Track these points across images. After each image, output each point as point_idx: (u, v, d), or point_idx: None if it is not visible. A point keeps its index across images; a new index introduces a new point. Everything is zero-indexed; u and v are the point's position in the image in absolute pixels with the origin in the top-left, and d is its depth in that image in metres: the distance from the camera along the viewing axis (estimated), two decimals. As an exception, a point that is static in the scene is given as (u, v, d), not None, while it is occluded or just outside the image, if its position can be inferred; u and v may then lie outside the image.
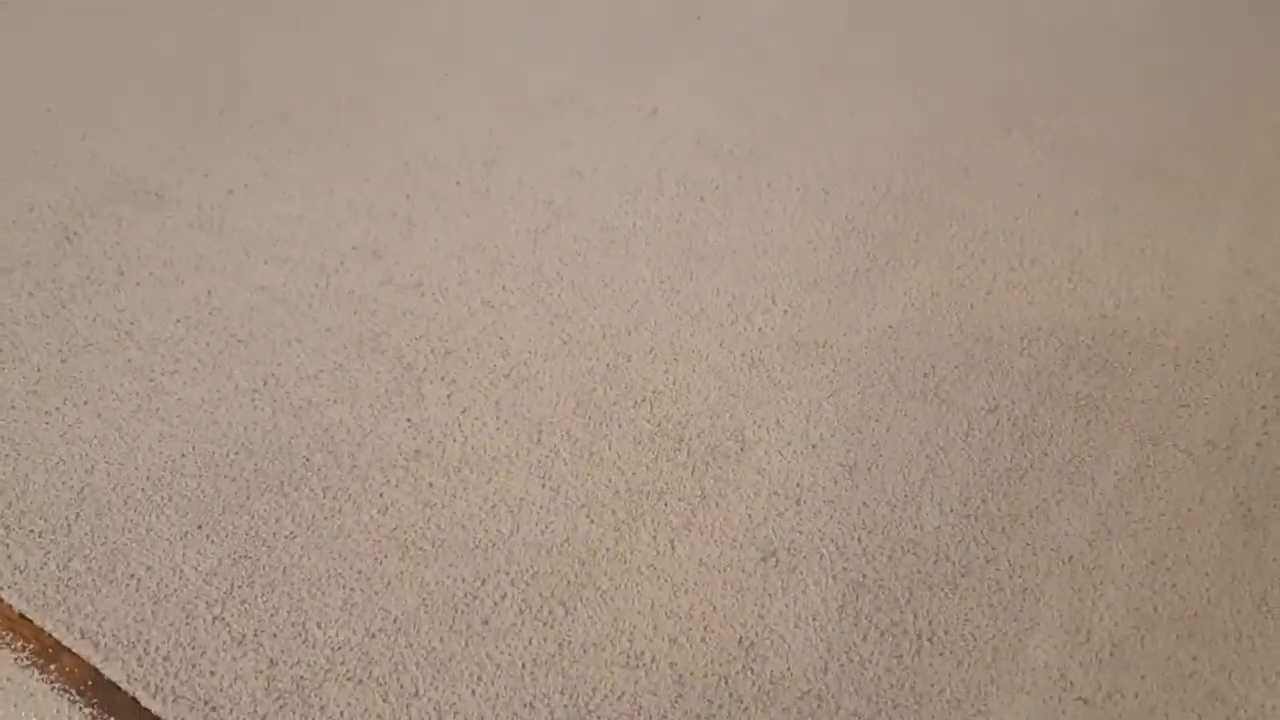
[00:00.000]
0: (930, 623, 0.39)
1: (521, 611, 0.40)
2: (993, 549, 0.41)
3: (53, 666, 0.40)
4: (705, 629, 0.40)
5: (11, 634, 0.41)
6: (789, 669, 0.40)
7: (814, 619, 0.40)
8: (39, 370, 0.48)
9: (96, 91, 0.63)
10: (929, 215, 0.54)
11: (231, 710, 0.39)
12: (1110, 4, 0.69)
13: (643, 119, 0.62)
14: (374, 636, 0.40)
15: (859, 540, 0.41)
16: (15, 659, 0.40)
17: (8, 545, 0.43)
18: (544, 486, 0.43)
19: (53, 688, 0.40)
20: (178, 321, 0.50)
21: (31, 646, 0.40)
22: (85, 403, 0.47)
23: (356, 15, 0.70)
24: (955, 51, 0.65)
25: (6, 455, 0.45)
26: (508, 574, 0.41)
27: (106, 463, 0.44)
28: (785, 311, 0.50)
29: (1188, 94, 0.62)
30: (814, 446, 0.44)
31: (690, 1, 0.71)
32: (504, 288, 0.52)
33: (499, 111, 0.62)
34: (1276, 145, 0.58)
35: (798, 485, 0.43)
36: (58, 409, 0.46)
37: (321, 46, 0.66)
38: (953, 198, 0.55)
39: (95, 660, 0.40)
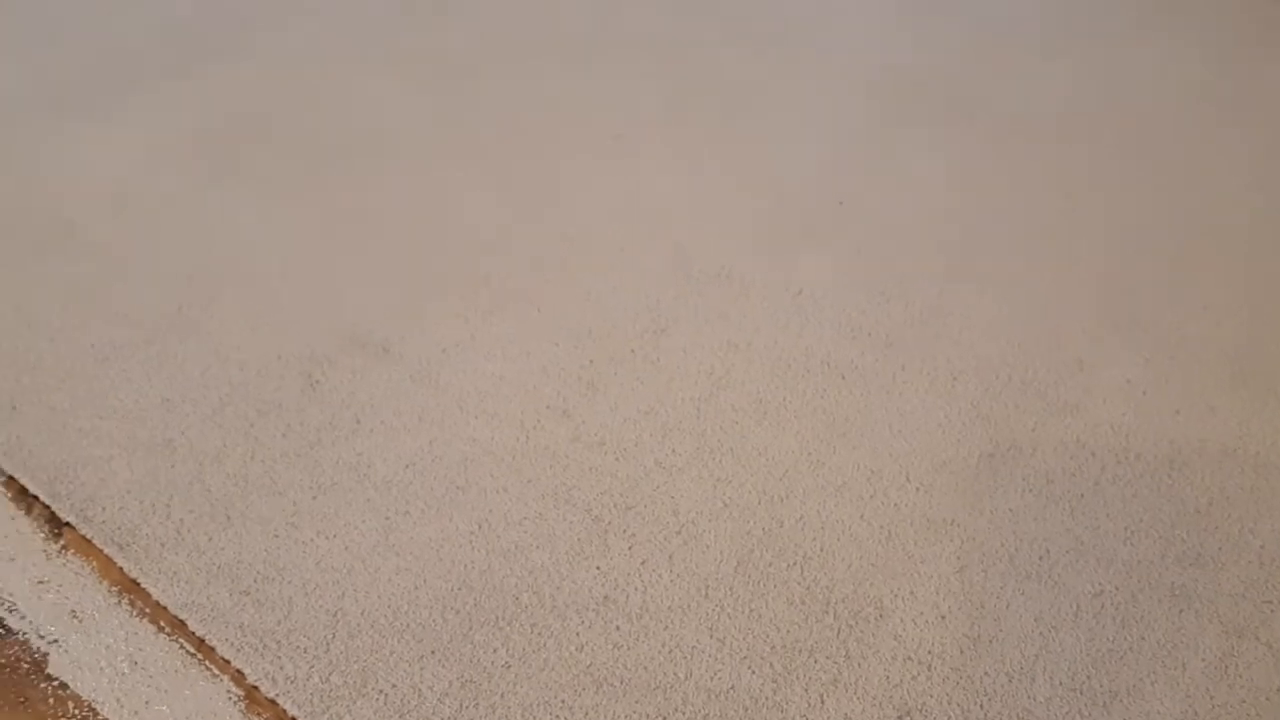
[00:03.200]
0: (1039, 784, 0.47)
1: (697, 747, 0.49)
2: (1094, 721, 0.49)
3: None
4: (848, 774, 0.48)
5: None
6: (916, 812, 0.48)
7: (940, 773, 0.48)
8: (295, 504, 0.58)
9: (323, 250, 0.75)
10: (1045, 405, 0.62)
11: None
12: (1219, 206, 0.77)
13: (791, 298, 0.71)
14: (575, 758, 0.50)
15: (981, 707, 0.49)
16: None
17: (279, 658, 0.53)
18: (711, 637, 0.52)
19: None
20: (406, 467, 0.60)
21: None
22: (334, 535, 0.57)
23: (548, 180, 0.81)
24: (1065, 247, 0.73)
25: (273, 579, 0.55)
26: (684, 714, 0.50)
27: (354, 590, 0.54)
28: (918, 489, 0.58)
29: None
30: (943, 617, 0.52)
31: (833, 187, 0.80)
32: (673, 450, 0.61)
33: (667, 283, 0.71)
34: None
35: (929, 652, 0.51)
36: (312, 540, 0.57)
37: (518, 209, 0.77)
38: (1066, 390, 0.63)
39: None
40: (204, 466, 0.61)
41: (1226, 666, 0.48)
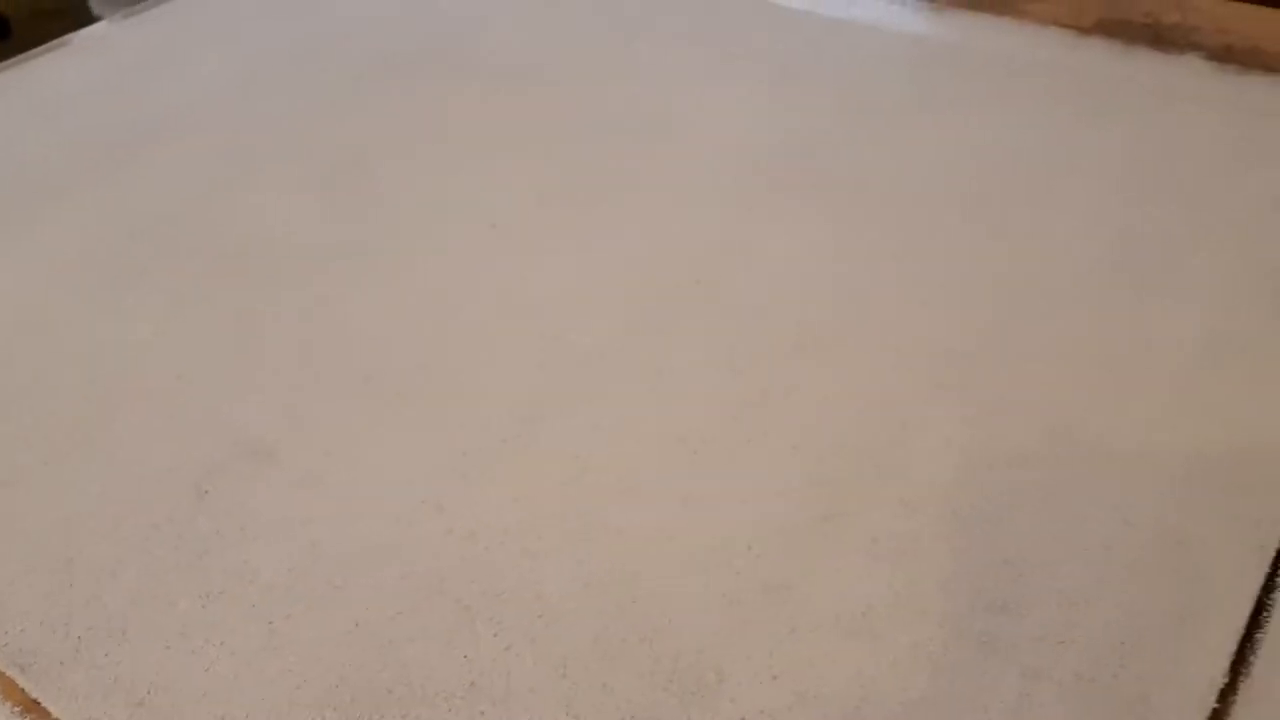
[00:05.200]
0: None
1: (550, 819, 0.54)
2: (905, 767, 0.54)
3: None
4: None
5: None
6: None
7: (765, 826, 0.54)
8: (186, 615, 0.63)
9: (216, 359, 0.79)
10: (874, 468, 0.68)
11: None
12: (1044, 265, 0.84)
13: (652, 378, 0.77)
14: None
15: (804, 759, 0.55)
16: None
17: (170, 765, 0.58)
18: (568, 714, 0.57)
19: None
20: (289, 570, 0.65)
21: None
22: (222, 642, 0.62)
23: (427, 274, 0.87)
24: (902, 313, 0.80)
25: (166, 689, 0.60)
26: (541, 789, 0.55)
27: (241, 694, 0.59)
28: (758, 556, 0.64)
29: (1102, 354, 0.76)
30: (775, 678, 0.58)
31: (692, 268, 0.87)
32: (539, 536, 0.67)
33: (538, 371, 0.77)
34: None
35: (760, 712, 0.57)
36: (201, 648, 0.62)
37: (401, 311, 0.82)
38: (894, 453, 0.69)
39: None
40: (101, 583, 0.66)
41: (1022, 707, 0.54)
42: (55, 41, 1.20)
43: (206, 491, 0.71)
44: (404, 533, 0.68)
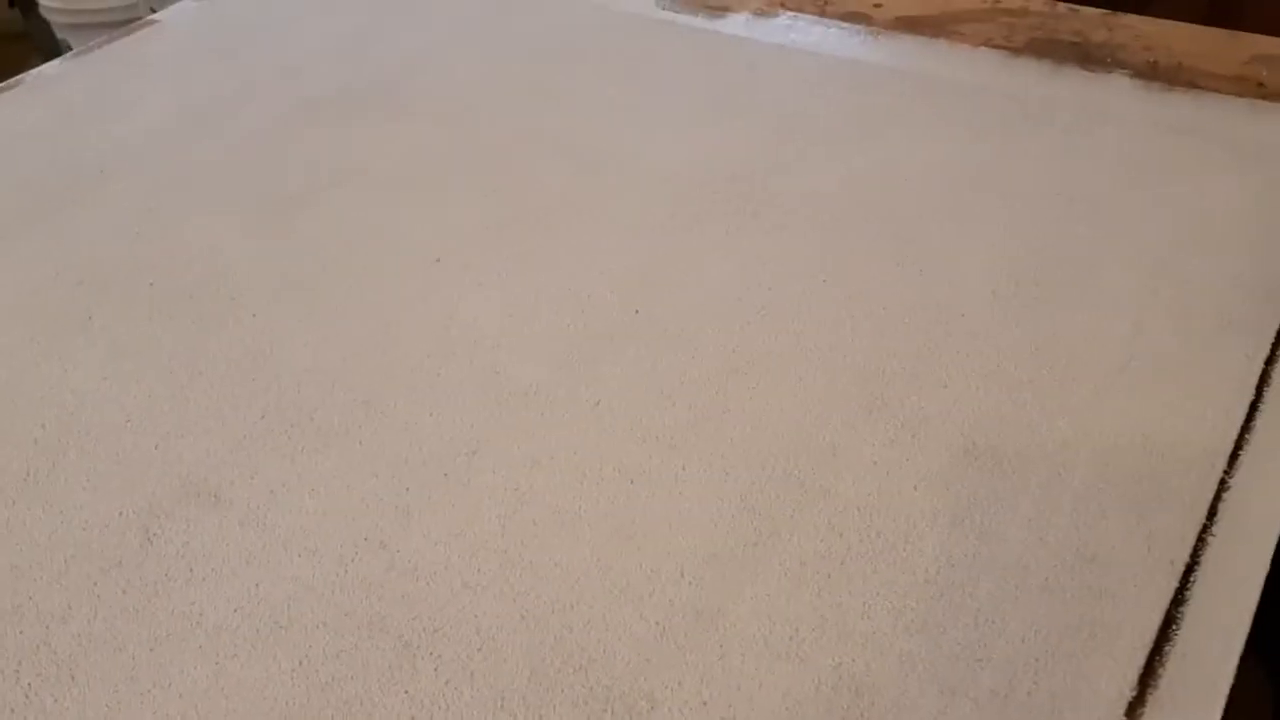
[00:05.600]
0: None
1: None
2: (827, 784, 0.57)
3: None
4: None
5: None
6: None
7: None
8: (134, 659, 0.65)
9: (165, 399, 0.81)
10: (802, 492, 0.71)
11: None
12: (964, 285, 0.87)
13: (589, 409, 0.79)
14: None
15: (730, 782, 0.57)
16: None
17: (120, 806, 0.59)
18: (504, 745, 0.59)
19: None
20: (235, 611, 0.67)
21: None
22: (169, 685, 0.63)
23: (371, 311, 0.89)
24: (832, 336, 0.82)
25: (114, 731, 0.61)
26: (477, 818, 0.57)
27: (187, 735, 0.61)
28: (690, 583, 0.66)
29: (1020, 372, 0.79)
30: (705, 704, 0.61)
31: (628, 297, 0.89)
32: (478, 570, 0.69)
33: (479, 405, 0.79)
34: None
35: (690, 736, 0.59)
36: (149, 691, 0.63)
37: (344, 348, 0.84)
38: (821, 476, 0.72)
39: None
40: (50, 629, 0.67)
41: (939, 723, 0.57)
42: (7, 82, 1.21)
43: (155, 535, 0.72)
44: (347, 570, 0.69)
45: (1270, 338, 0.80)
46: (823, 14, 1.29)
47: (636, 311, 0.89)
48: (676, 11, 1.30)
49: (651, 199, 1.02)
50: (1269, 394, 0.76)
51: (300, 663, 0.65)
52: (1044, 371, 0.80)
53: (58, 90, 1.26)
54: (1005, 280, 0.89)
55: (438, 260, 0.96)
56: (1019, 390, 0.79)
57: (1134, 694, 0.59)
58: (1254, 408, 0.74)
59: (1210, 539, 0.66)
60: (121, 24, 1.35)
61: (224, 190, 1.07)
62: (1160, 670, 0.60)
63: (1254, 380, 0.77)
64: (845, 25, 1.27)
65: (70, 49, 1.27)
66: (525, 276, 0.94)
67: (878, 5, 1.30)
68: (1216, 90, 1.12)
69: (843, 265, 0.92)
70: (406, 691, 0.63)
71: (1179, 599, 0.64)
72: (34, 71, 1.27)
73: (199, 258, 0.98)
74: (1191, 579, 0.64)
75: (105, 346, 0.88)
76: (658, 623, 0.66)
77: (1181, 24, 1.24)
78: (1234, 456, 0.71)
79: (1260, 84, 1.13)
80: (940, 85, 1.17)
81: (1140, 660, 0.61)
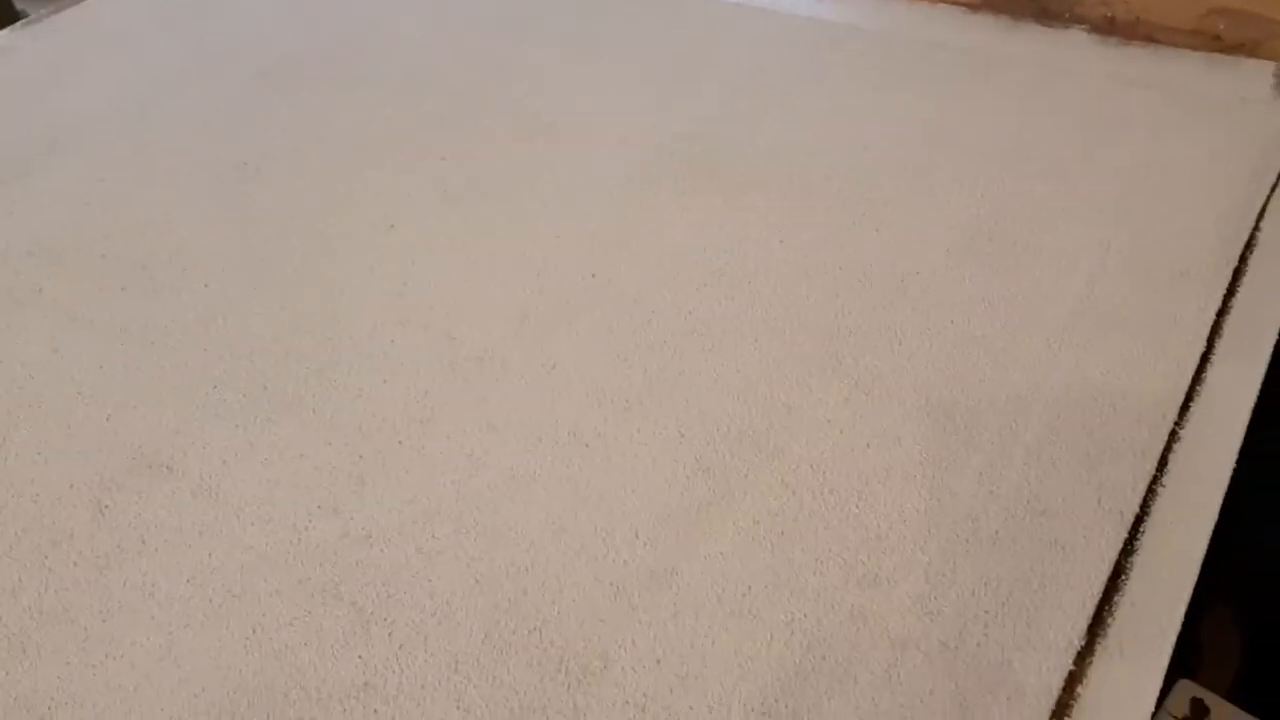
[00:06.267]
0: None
1: (440, 809, 0.56)
2: (779, 738, 0.57)
3: None
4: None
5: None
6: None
7: (645, 803, 0.56)
8: (86, 630, 0.65)
9: (112, 374, 0.80)
10: (757, 452, 0.71)
11: None
12: (919, 243, 0.87)
13: (545, 374, 0.79)
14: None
15: (683, 739, 0.58)
16: None
17: (71, 778, 0.59)
18: (458, 709, 0.59)
19: None
20: (188, 581, 0.66)
21: None
22: (121, 656, 0.63)
23: (325, 278, 0.88)
24: (787, 296, 0.82)
25: (66, 704, 0.61)
26: (431, 780, 0.57)
27: (140, 706, 0.61)
28: (644, 544, 0.66)
29: (973, 329, 0.79)
30: (658, 661, 0.61)
31: (585, 261, 0.88)
32: (433, 535, 0.68)
33: (434, 372, 0.79)
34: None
35: (644, 695, 0.59)
36: (102, 662, 0.63)
37: (297, 317, 0.83)
38: (775, 435, 0.72)
39: None
40: (1, 603, 0.67)
41: (891, 676, 0.57)
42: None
43: (106, 506, 0.72)
44: (300, 538, 0.69)
45: (1222, 290, 0.81)
46: (780, -27, 1.28)
47: (593, 275, 0.89)
48: (633, -28, 1.28)
49: (607, 163, 1.02)
50: (1220, 345, 0.76)
51: (254, 631, 0.65)
52: (997, 326, 0.80)
53: (6, 60, 1.24)
54: (960, 237, 0.89)
55: (391, 228, 0.95)
56: (972, 345, 0.79)
57: (1083, 643, 0.60)
58: (1205, 359, 0.75)
59: (1160, 489, 0.67)
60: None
61: (176, 160, 1.06)
62: (1109, 619, 0.61)
63: (1205, 331, 0.77)
64: (804, -16, 1.26)
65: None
66: (480, 243, 0.93)
67: (835, -37, 1.29)
68: (1174, 44, 1.12)
69: (799, 226, 0.92)
70: (360, 657, 0.63)
71: (1128, 549, 0.64)
72: (-18, 42, 1.25)
73: (151, 228, 0.97)
74: (1141, 529, 0.65)
75: (56, 318, 0.87)
76: (612, 583, 0.66)
77: (1139, -22, 1.24)
78: (1185, 407, 0.71)
79: (1217, 37, 1.13)
80: (897, 43, 1.16)
81: (1090, 610, 0.62)
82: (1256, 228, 0.82)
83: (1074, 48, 1.13)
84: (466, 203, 0.97)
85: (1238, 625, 0.99)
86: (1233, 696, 0.90)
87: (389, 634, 0.64)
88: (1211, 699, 0.87)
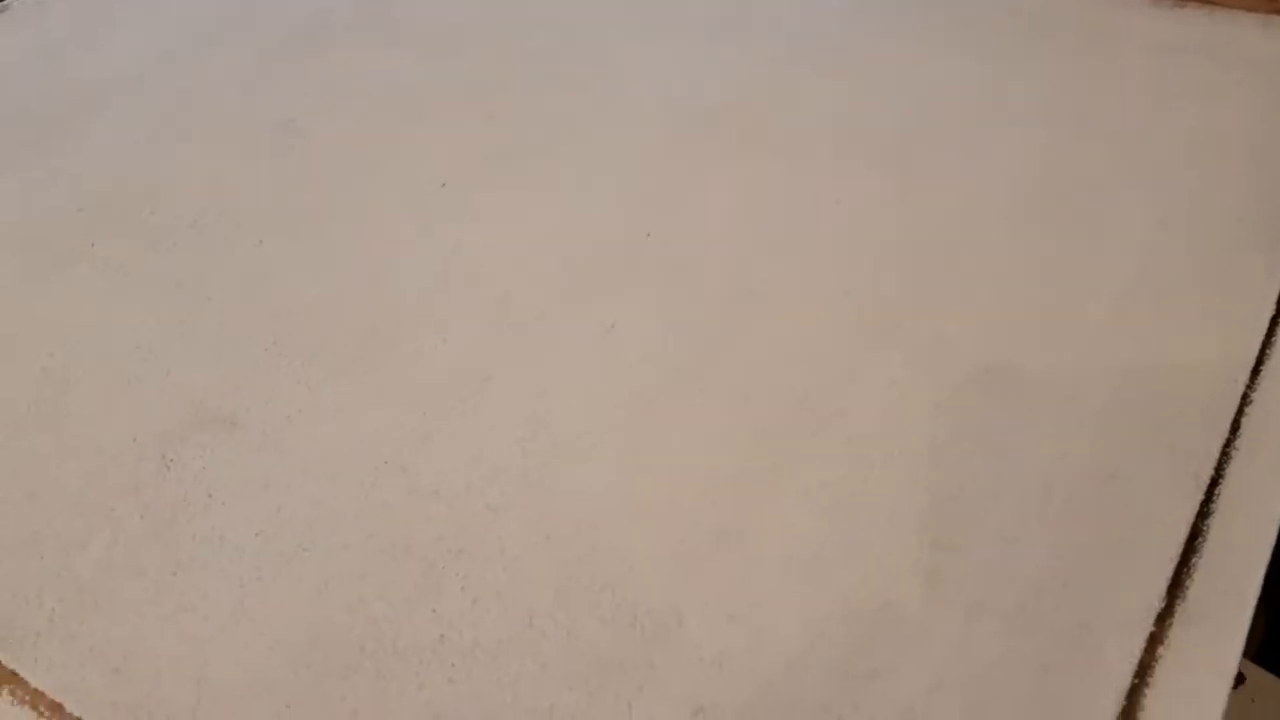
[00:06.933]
0: (808, 758, 0.56)
1: (522, 763, 0.57)
2: (857, 700, 0.57)
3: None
4: (653, 770, 0.57)
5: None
6: (712, 794, 0.56)
7: (727, 758, 0.56)
8: (156, 583, 0.65)
9: (173, 326, 0.80)
10: (819, 416, 0.71)
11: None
12: (978, 207, 0.86)
13: (601, 335, 0.78)
14: (419, 785, 0.57)
15: (763, 696, 0.58)
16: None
17: (149, 729, 0.59)
18: (534, 662, 0.59)
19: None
20: (256, 535, 0.67)
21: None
22: (193, 608, 0.64)
23: (378, 237, 0.87)
24: (843, 261, 0.81)
25: (140, 655, 0.61)
26: (512, 734, 0.58)
27: (215, 657, 0.61)
28: (711, 505, 0.66)
29: (1032, 295, 0.79)
30: (732, 619, 0.61)
31: (640, 222, 0.88)
32: (500, 492, 0.69)
33: (489, 332, 0.78)
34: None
35: (720, 652, 0.59)
36: (173, 614, 0.63)
37: (350, 276, 0.83)
38: (838, 398, 0.71)
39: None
40: (70, 555, 0.67)
41: (967, 640, 0.57)
42: (-9, 8, 1.18)
43: (171, 460, 0.72)
44: (368, 494, 0.69)
45: (1288, 254, 0.80)
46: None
47: (647, 236, 0.88)
48: (678, -69, 1.27)
49: (652, 124, 1.01)
50: (1289, 308, 0.76)
51: (326, 584, 0.65)
52: (1057, 293, 0.80)
53: (48, 15, 1.23)
54: (1017, 201, 0.88)
55: (441, 186, 0.95)
56: (1033, 312, 0.78)
57: (1162, 605, 0.60)
58: (1275, 321, 0.74)
59: (1234, 453, 0.67)
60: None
61: (221, 117, 1.05)
62: (1187, 583, 0.61)
63: (1274, 293, 0.76)
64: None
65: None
66: (529, 203, 0.93)
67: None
68: (1229, 6, 1.11)
69: (850, 189, 0.91)
70: (434, 610, 0.63)
71: (1204, 512, 0.64)
72: (20, -4, 1.24)
73: (199, 185, 0.97)
74: (1216, 493, 0.65)
75: (109, 274, 0.87)
76: (680, 543, 0.66)
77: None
78: (1256, 370, 0.71)
79: None
80: (948, 3, 1.15)
81: (1168, 572, 0.61)
82: (1320, 192, 0.81)
83: (1127, 9, 1.11)
84: (515, 161, 0.96)
85: (1263, 592, 0.99)
86: (1259, 660, 0.91)
87: (461, 588, 0.64)
88: (1245, 665, 0.87)
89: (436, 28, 1.17)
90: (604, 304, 0.82)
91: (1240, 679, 0.90)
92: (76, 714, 0.61)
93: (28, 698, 0.62)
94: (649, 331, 0.80)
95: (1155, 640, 0.57)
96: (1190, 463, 0.66)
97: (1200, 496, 0.63)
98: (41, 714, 0.61)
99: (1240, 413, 0.67)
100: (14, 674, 0.63)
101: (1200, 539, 0.61)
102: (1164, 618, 0.58)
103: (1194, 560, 0.61)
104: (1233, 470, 0.65)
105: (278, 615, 0.64)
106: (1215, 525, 0.62)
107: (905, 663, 0.58)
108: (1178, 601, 0.59)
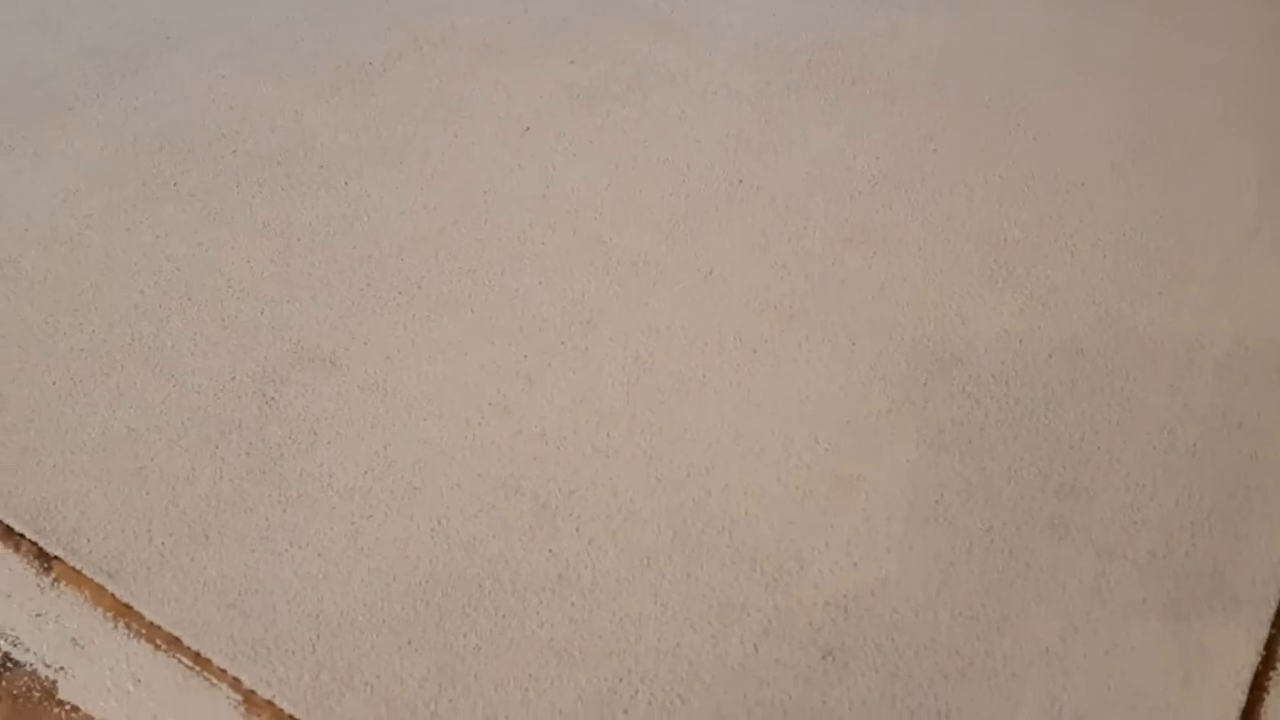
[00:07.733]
0: (946, 704, 0.55)
1: (650, 704, 0.56)
2: (990, 644, 0.56)
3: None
4: (784, 714, 0.56)
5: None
6: (843, 737, 0.56)
7: (863, 703, 0.56)
8: (267, 519, 0.64)
9: (264, 265, 0.79)
10: (933, 361, 0.69)
11: (448, 779, 0.55)
12: (1081, 153, 0.84)
13: (702, 279, 0.77)
14: (545, 723, 0.56)
15: (892, 640, 0.57)
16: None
17: (270, 662, 0.59)
18: (655, 603, 0.59)
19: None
20: (365, 473, 0.66)
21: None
22: (306, 544, 0.63)
23: (466, 180, 0.86)
24: (945, 205, 0.80)
25: (256, 590, 0.61)
26: (637, 674, 0.57)
27: (331, 593, 0.60)
28: (826, 449, 0.65)
29: (1145, 242, 0.77)
30: (855, 564, 0.60)
31: (734, 165, 0.86)
32: (608, 435, 0.68)
33: (588, 275, 0.77)
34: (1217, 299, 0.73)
35: (844, 596, 0.58)
36: (287, 550, 0.63)
37: (442, 217, 0.82)
38: (952, 345, 0.70)
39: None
40: (176, 491, 0.66)
41: (1099, 586, 0.56)
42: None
43: (272, 399, 0.71)
44: (474, 434, 0.68)
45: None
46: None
47: (740, 181, 0.87)
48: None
49: (742, 68, 0.99)
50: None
51: (439, 523, 0.64)
52: (1171, 241, 0.78)
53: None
54: (1122, 149, 0.86)
55: (527, 129, 0.93)
56: (1147, 259, 0.77)
57: (1295, 555, 0.59)
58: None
59: (1362, 403, 0.65)
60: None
61: (295, 57, 1.03)
62: (1317, 533, 0.60)
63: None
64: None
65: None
66: (619, 145, 0.91)
67: None
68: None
69: (950, 134, 0.89)
70: (550, 551, 0.62)
71: (1331, 463, 0.63)
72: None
73: (279, 124, 0.95)
74: (1347, 442, 0.63)
75: (196, 212, 0.86)
76: (797, 487, 0.65)
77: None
78: (1381, 323, 0.70)
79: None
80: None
81: (1298, 523, 0.60)
82: None
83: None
84: (600, 106, 0.94)
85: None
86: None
87: (576, 529, 0.63)
88: None
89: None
90: (701, 249, 0.81)
91: None
92: (195, 648, 0.60)
93: (144, 631, 0.61)
94: (751, 275, 0.79)
95: (1295, 589, 0.56)
96: (1319, 413, 0.64)
97: (1333, 446, 0.62)
98: (159, 647, 0.60)
99: (1371, 363, 0.66)
100: (128, 607, 0.62)
101: (1335, 489, 0.60)
102: (1302, 567, 0.57)
103: (1329, 510, 0.59)
104: (1367, 420, 0.63)
105: (393, 553, 0.63)
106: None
107: (1037, 608, 0.57)
108: (1316, 551, 0.58)
